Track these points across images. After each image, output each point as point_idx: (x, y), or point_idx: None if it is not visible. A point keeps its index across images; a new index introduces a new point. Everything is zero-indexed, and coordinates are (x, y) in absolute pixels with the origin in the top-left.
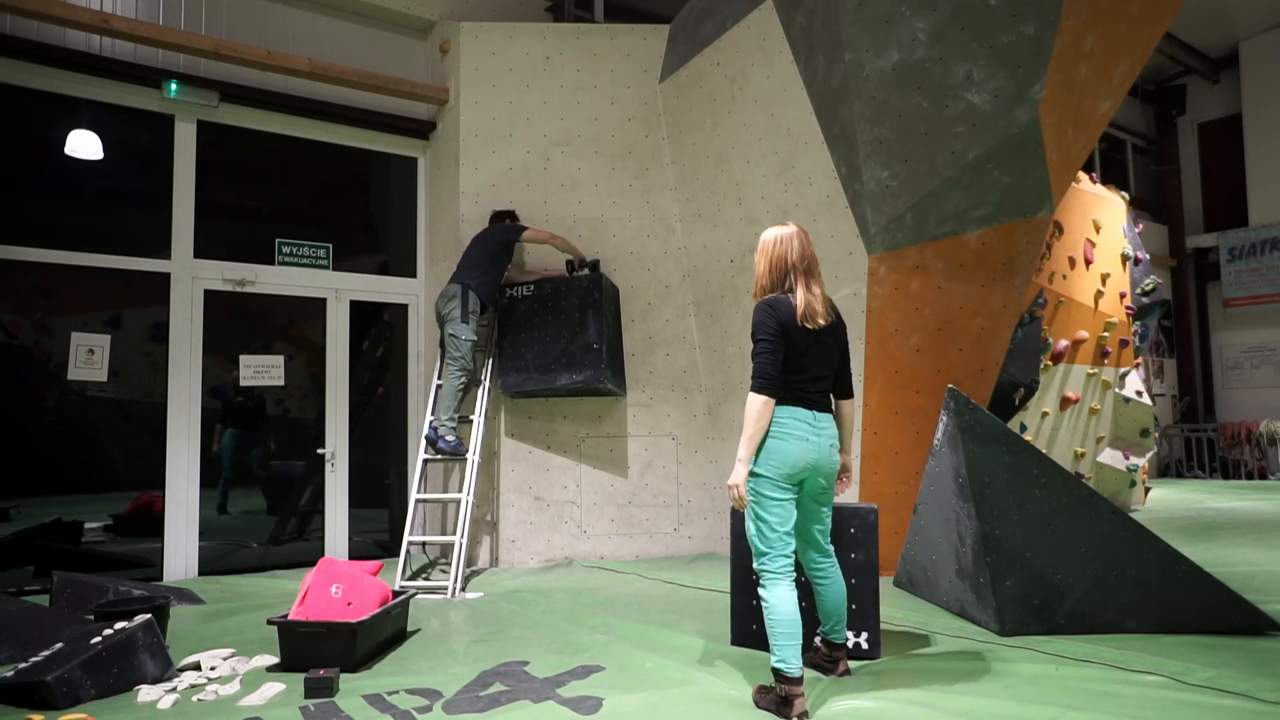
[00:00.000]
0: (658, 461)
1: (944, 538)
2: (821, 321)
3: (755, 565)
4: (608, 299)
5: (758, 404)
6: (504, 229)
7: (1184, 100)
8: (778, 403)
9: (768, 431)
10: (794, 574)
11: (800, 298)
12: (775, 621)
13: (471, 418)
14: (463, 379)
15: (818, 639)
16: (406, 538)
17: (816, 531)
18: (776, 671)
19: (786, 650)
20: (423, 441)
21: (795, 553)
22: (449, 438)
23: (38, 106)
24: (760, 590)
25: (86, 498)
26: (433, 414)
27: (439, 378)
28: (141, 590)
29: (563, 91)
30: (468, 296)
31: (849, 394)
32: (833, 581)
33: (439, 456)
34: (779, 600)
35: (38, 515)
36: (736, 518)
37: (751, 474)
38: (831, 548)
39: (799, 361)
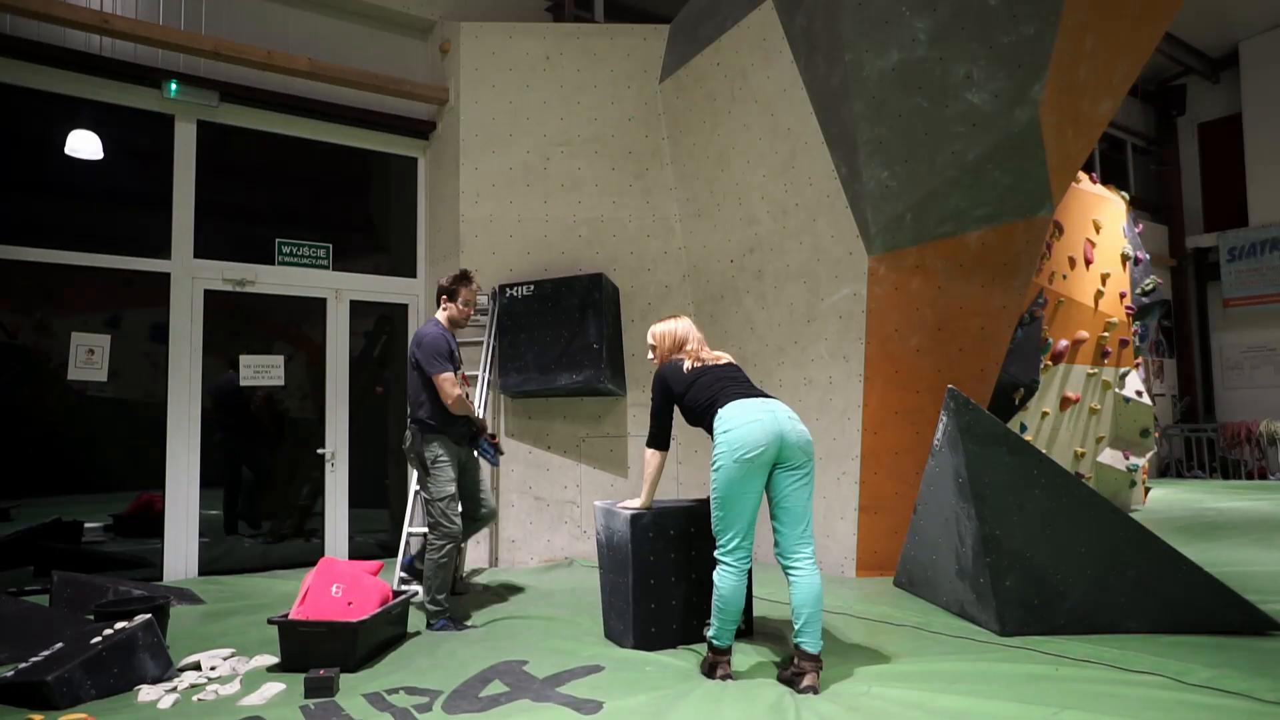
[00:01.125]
0: None
1: (944, 538)
2: (709, 361)
3: (716, 551)
4: (608, 299)
5: (647, 455)
6: (414, 351)
7: (1184, 100)
8: (720, 404)
9: (723, 429)
10: (749, 566)
11: (690, 361)
12: (722, 607)
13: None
14: (449, 545)
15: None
16: (406, 529)
17: (792, 520)
18: (710, 643)
19: (723, 629)
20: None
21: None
22: (433, 622)
23: (38, 106)
24: (715, 574)
25: (86, 498)
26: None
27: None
28: (141, 590)
29: (563, 91)
30: (426, 439)
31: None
32: (807, 575)
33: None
34: (730, 588)
35: (38, 515)
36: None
37: (712, 468)
38: (811, 541)
39: (710, 382)
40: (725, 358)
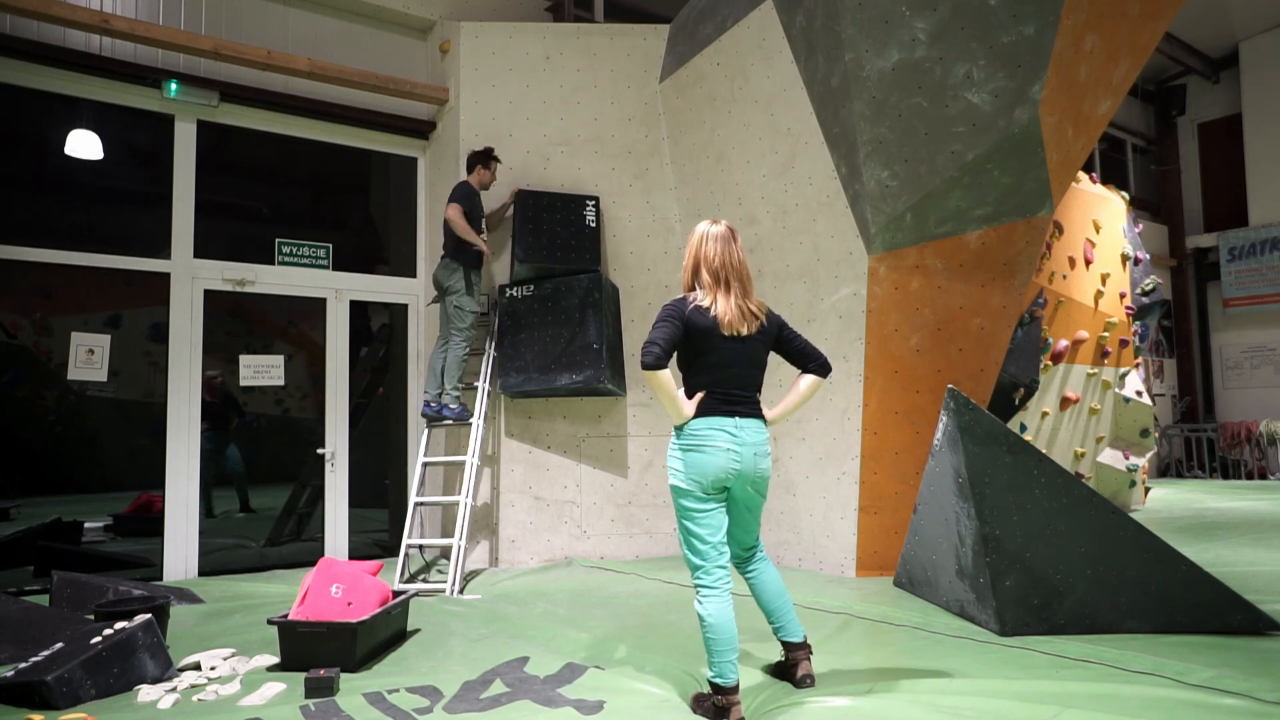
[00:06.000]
0: (658, 461)
1: (944, 538)
2: (743, 331)
3: (692, 579)
4: (608, 299)
5: (650, 377)
6: (457, 194)
7: (1184, 100)
8: (694, 414)
9: (689, 445)
10: (730, 584)
11: (721, 307)
12: (713, 637)
13: (474, 396)
14: (467, 348)
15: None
16: (405, 541)
17: (744, 535)
18: (713, 684)
19: (723, 664)
20: (423, 435)
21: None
22: (453, 405)
23: (38, 106)
24: (696, 605)
25: (86, 498)
26: (429, 388)
27: (440, 348)
28: (141, 590)
29: (563, 91)
30: (469, 272)
31: (820, 371)
32: (762, 572)
33: (444, 423)
34: (716, 615)
35: (38, 515)
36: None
37: (673, 488)
38: (760, 542)
39: (716, 363)
40: (756, 318)
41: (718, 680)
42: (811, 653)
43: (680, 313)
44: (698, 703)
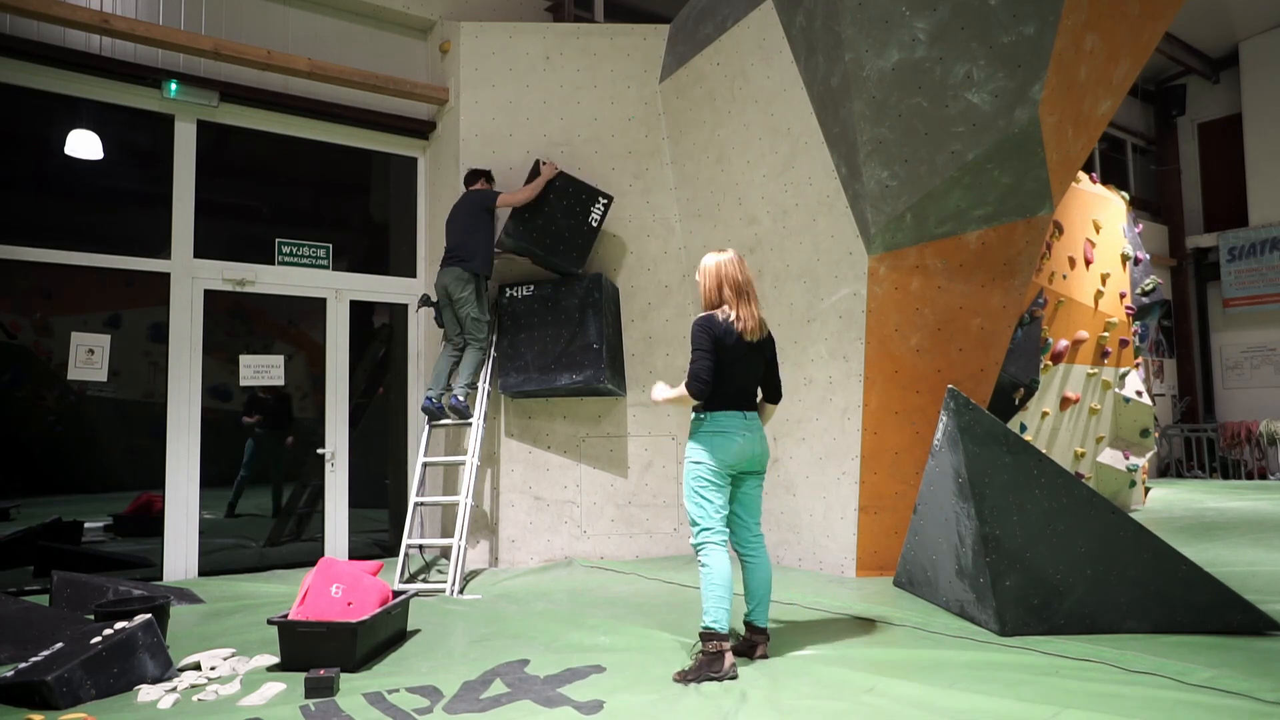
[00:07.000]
0: (658, 461)
1: (944, 538)
2: (756, 337)
3: (695, 539)
4: (608, 299)
5: (684, 391)
6: (479, 197)
7: (1184, 100)
8: (716, 408)
9: (712, 429)
10: (728, 543)
11: (744, 314)
12: (713, 584)
13: (474, 396)
14: (484, 352)
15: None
16: (405, 541)
17: (750, 515)
18: (709, 631)
19: (719, 612)
20: (423, 435)
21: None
22: (460, 398)
23: (38, 106)
24: (700, 556)
25: (86, 498)
26: (432, 386)
27: (449, 350)
28: (141, 590)
29: (563, 91)
30: (479, 280)
31: (776, 398)
32: (760, 560)
33: (444, 423)
34: (718, 564)
35: (38, 515)
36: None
37: (694, 464)
38: (762, 534)
39: (732, 370)
40: (764, 328)
41: (714, 626)
42: (769, 639)
43: (713, 335)
44: (681, 675)
